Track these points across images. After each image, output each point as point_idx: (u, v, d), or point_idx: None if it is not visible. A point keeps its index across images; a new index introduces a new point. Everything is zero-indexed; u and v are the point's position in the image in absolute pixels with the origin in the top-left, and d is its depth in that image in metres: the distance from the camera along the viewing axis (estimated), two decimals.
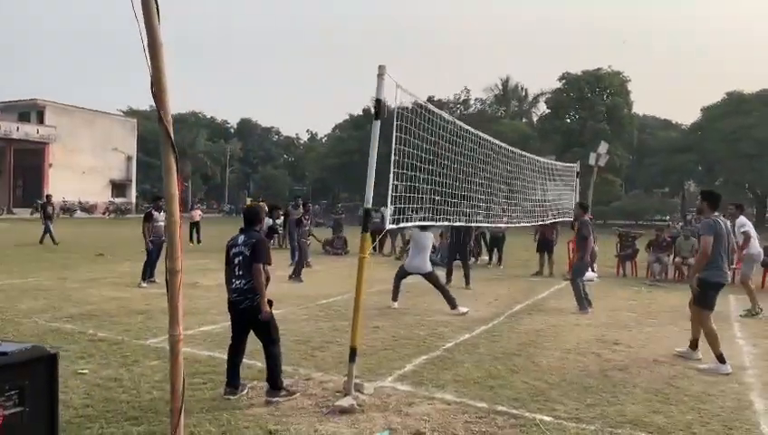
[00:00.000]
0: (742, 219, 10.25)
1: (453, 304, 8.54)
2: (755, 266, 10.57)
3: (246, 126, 72.51)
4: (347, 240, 18.58)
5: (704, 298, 6.12)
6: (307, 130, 78.20)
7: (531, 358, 6.18)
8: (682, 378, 5.59)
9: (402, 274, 9.10)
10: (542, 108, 52.29)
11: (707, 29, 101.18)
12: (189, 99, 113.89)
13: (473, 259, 14.75)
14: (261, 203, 16.11)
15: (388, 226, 5.27)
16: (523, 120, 54.33)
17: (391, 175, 5.11)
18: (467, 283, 11.36)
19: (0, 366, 2.32)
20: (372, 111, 4.76)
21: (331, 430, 4.14)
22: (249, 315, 4.74)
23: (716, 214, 6.21)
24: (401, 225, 5.77)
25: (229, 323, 4.99)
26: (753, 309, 9.12)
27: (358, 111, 53.81)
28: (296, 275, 11.95)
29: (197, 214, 21.82)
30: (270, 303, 4.76)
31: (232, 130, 72.82)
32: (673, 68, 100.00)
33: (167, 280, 3.17)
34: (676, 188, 52.02)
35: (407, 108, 5.37)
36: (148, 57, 2.95)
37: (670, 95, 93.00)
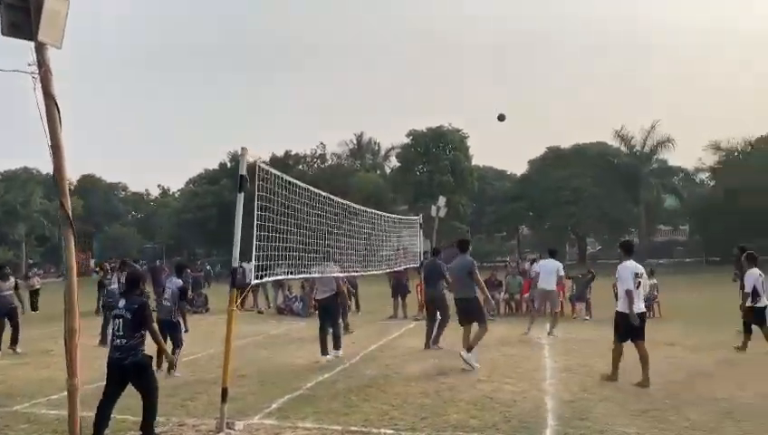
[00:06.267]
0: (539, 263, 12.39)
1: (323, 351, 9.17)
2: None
3: (88, 182, 68.13)
4: (207, 297, 18.60)
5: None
6: (158, 186, 74.94)
7: (380, 388, 7.25)
8: (498, 391, 6.95)
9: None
10: (394, 161, 55.75)
11: (533, 87, 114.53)
12: (19, 153, 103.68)
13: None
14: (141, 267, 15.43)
15: (252, 281, 6.10)
16: (377, 173, 57.37)
17: (254, 236, 5.99)
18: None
19: None
20: (238, 183, 5.60)
21: None
22: (131, 371, 5.25)
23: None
24: (264, 280, 6.59)
25: (94, 384, 5.51)
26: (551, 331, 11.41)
27: (212, 166, 53.31)
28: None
29: (36, 281, 20.91)
30: (150, 358, 5.37)
31: (71, 188, 67.90)
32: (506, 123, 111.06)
33: (65, 339, 3.78)
34: (512, 232, 57.80)
35: (267, 177, 6.29)
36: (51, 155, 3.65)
37: (503, 147, 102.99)
